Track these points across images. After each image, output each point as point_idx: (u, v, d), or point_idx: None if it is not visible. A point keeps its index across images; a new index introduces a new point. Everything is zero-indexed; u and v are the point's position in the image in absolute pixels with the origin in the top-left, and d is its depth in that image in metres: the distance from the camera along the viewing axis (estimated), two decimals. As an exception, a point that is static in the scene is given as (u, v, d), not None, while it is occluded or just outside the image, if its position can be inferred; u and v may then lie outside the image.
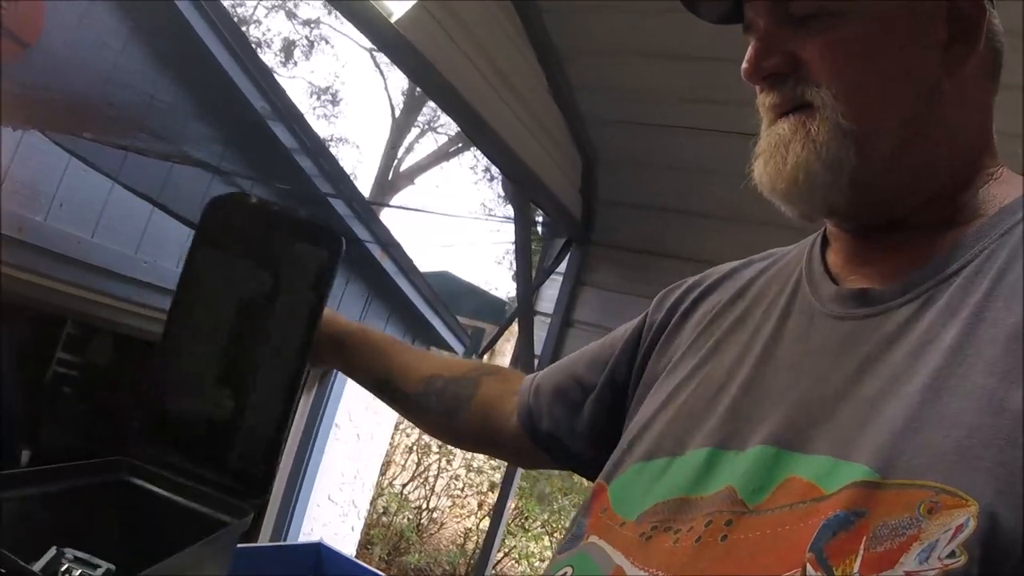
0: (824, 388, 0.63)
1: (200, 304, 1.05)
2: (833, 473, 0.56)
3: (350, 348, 1.12)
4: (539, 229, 3.71)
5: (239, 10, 17.65)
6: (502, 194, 16.48)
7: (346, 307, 4.87)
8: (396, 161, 18.74)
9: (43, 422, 5.45)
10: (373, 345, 1.14)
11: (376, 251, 4.80)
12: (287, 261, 1.04)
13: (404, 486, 9.12)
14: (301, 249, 1.04)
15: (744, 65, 0.70)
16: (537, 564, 8.32)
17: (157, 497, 0.98)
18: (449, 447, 9.45)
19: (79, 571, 0.81)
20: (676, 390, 0.77)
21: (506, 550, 8.32)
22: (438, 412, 1.09)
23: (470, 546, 8.69)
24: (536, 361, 3.51)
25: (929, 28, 0.66)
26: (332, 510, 5.74)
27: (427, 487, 9.23)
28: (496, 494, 6.30)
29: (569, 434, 0.98)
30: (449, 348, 5.86)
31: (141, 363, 6.24)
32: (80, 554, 0.84)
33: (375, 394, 1.14)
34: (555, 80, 3.03)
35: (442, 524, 9.27)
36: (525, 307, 3.42)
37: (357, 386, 1.16)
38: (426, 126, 19.04)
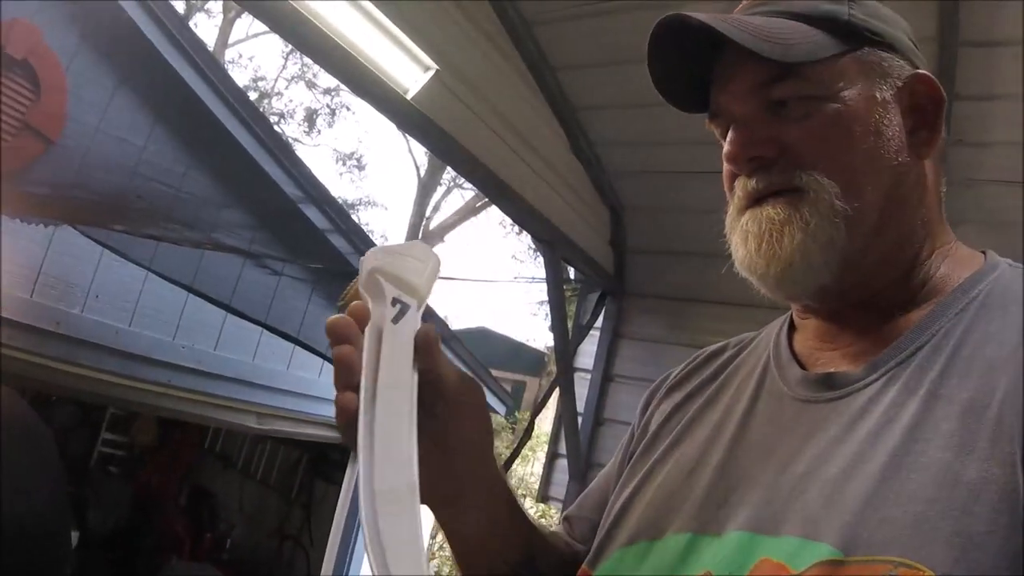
0: (794, 470, 0.65)
1: None
2: (801, 553, 0.59)
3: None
4: (573, 285, 3.68)
5: (260, 84, 18.05)
6: (532, 246, 16.51)
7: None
8: (425, 220, 18.91)
9: (90, 503, 5.47)
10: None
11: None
12: None
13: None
14: None
15: (729, 149, 0.73)
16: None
17: None
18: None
19: None
20: (652, 470, 0.79)
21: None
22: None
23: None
24: (579, 419, 3.46)
25: (895, 115, 0.71)
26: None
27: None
28: None
29: None
30: (492, 409, 5.80)
31: (182, 444, 6.29)
32: None
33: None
34: (575, 136, 3.02)
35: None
36: (564, 366, 3.37)
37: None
38: (452, 183, 19.22)
